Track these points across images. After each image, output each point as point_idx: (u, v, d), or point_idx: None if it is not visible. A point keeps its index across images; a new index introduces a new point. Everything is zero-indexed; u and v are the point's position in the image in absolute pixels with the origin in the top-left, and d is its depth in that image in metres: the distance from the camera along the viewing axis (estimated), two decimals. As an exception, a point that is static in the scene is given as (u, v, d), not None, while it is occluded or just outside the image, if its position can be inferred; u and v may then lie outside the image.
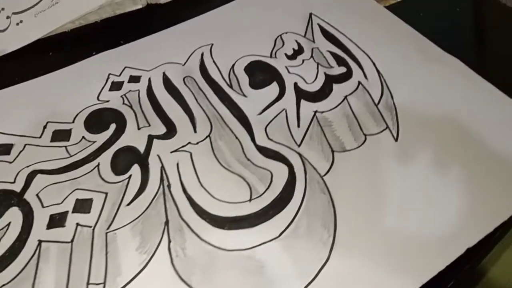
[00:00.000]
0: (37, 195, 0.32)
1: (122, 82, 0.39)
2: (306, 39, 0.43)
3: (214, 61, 0.41)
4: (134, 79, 0.40)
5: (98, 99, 0.38)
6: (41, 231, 0.30)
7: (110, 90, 0.39)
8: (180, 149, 0.34)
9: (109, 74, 0.40)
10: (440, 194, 0.32)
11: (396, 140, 0.35)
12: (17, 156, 0.34)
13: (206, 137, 0.35)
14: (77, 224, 0.30)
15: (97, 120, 0.37)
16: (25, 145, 0.35)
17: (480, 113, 0.36)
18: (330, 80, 0.39)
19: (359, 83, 0.39)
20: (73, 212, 0.31)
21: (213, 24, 0.45)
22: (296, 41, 0.43)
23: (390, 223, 0.30)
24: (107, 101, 0.38)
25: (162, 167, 0.33)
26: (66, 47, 0.44)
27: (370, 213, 0.31)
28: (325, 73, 0.40)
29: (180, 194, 0.32)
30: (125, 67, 0.41)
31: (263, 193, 0.32)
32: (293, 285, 0.27)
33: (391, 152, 0.34)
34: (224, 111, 0.37)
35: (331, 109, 0.37)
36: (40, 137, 0.35)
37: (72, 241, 0.29)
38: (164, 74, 0.40)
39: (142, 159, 0.34)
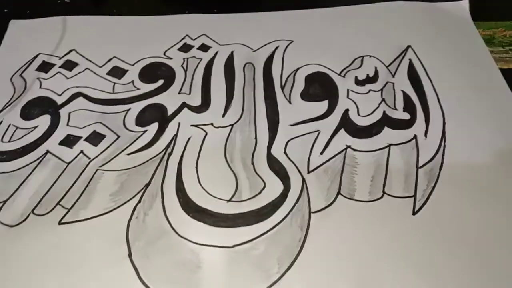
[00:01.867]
0: (69, 113, 0.36)
1: (192, 47, 0.41)
2: (387, 70, 0.39)
3: (283, 58, 0.40)
4: (204, 47, 0.41)
5: (164, 54, 0.40)
6: (53, 144, 0.34)
7: (178, 49, 0.41)
8: (200, 126, 0.35)
9: (186, 35, 0.42)
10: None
11: (413, 213, 0.30)
12: (75, 75, 0.38)
13: (229, 125, 0.35)
14: (81, 151, 0.33)
15: (152, 71, 0.39)
16: (86, 68, 0.39)
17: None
18: (385, 122, 0.35)
19: (415, 137, 0.34)
20: (85, 139, 0.34)
21: (306, 22, 0.43)
22: (376, 68, 0.39)
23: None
24: (170, 58, 0.40)
25: (175, 135, 0.34)
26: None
27: (333, 279, 0.28)
28: (384, 112, 0.36)
29: (174, 165, 0.33)
30: (203, 34, 0.42)
31: (244, 200, 0.31)
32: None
33: (400, 224, 0.30)
34: (261, 108, 0.36)
35: (366, 151, 0.34)
36: (101, 66, 0.39)
37: (69, 163, 0.33)
38: (231, 53, 0.40)
39: (164, 121, 0.35)
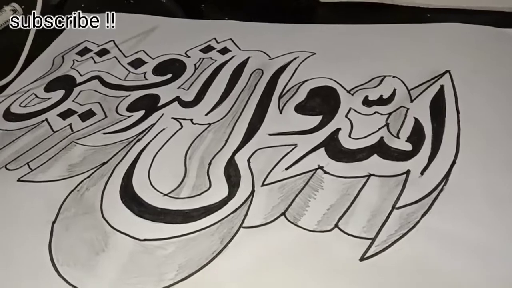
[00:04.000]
0: (80, 91, 0.38)
1: (214, 49, 0.41)
2: (408, 93, 0.32)
3: (296, 68, 0.37)
4: (224, 51, 0.40)
5: (185, 53, 0.41)
6: (53, 114, 0.36)
7: (200, 50, 0.41)
8: (179, 119, 0.34)
9: (213, 38, 0.42)
10: None
11: (361, 259, 0.24)
12: (102, 61, 0.41)
13: (207, 124, 0.33)
14: (69, 124, 0.35)
15: (165, 66, 0.40)
16: (114, 57, 0.42)
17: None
18: (377, 149, 0.29)
19: (407, 173, 0.27)
20: (78, 115, 0.36)
21: (335, 37, 0.39)
22: (394, 90, 0.33)
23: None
24: (189, 57, 0.40)
25: (153, 124, 0.34)
26: (213, 5, 0.47)
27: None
28: (381, 138, 0.30)
29: (135, 151, 0.32)
30: (230, 39, 0.41)
31: (180, 198, 0.28)
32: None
33: (338, 267, 0.24)
34: (247, 113, 0.34)
35: (338, 176, 0.28)
36: (126, 56, 0.41)
37: (55, 132, 0.35)
38: (247, 58, 0.39)
39: (151, 110, 0.35)
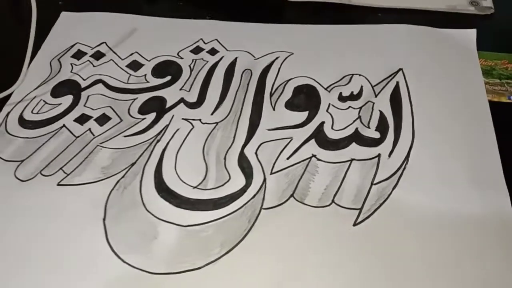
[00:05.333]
0: (88, 96, 0.42)
1: (203, 49, 0.46)
2: (372, 89, 0.41)
3: (279, 68, 0.44)
4: (213, 51, 0.46)
5: (177, 54, 0.46)
6: (69, 120, 0.40)
7: (190, 51, 0.46)
8: (190, 120, 0.40)
9: (200, 39, 0.47)
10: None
11: (354, 225, 0.33)
12: (99, 65, 0.45)
13: (215, 123, 0.40)
14: (89, 129, 0.40)
15: (163, 68, 0.45)
16: (111, 59, 0.46)
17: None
18: (354, 138, 0.38)
19: (378, 156, 0.37)
20: (94, 119, 0.40)
21: (309, 37, 0.46)
22: (362, 86, 0.41)
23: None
24: (182, 58, 0.45)
25: (167, 125, 0.40)
26: (194, 2, 0.52)
27: (266, 266, 0.31)
28: (356, 129, 0.38)
29: (159, 151, 0.38)
30: (215, 39, 0.47)
31: (208, 189, 0.35)
32: (156, 269, 0.31)
33: (338, 232, 0.33)
34: (247, 111, 0.41)
35: (328, 162, 0.37)
36: (123, 59, 0.46)
37: (77, 137, 0.39)
38: (235, 59, 0.45)
39: (161, 112, 0.41)
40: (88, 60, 0.45)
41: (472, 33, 0.45)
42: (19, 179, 0.37)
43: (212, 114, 0.41)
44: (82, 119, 0.41)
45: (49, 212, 0.35)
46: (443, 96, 0.40)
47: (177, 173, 0.37)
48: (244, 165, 0.37)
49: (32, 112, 0.41)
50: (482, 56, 0.43)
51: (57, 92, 0.43)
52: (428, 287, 0.30)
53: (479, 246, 0.32)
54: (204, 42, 0.47)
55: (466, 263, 0.31)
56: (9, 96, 0.42)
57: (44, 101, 0.42)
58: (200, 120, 0.40)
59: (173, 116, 0.41)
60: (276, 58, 0.45)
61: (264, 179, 0.36)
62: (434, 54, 0.44)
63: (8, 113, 0.41)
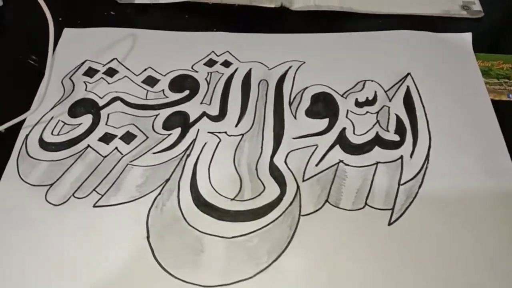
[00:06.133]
0: (108, 114, 0.42)
1: (216, 62, 0.47)
2: (386, 94, 0.43)
3: (294, 77, 0.45)
4: (226, 64, 0.47)
5: (192, 67, 0.46)
6: (93, 140, 0.40)
7: (204, 64, 0.47)
8: (215, 133, 0.41)
9: (212, 51, 0.48)
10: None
11: (389, 224, 0.35)
12: (115, 81, 0.45)
13: (240, 134, 0.41)
14: (116, 148, 0.40)
15: (180, 82, 0.45)
16: (125, 76, 0.45)
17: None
18: (376, 142, 0.40)
19: (401, 157, 0.39)
20: (119, 138, 0.40)
21: (319, 45, 0.48)
22: (375, 92, 0.44)
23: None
24: (197, 71, 0.46)
25: (194, 140, 0.40)
26: (199, 15, 0.52)
27: (314, 269, 0.33)
28: (377, 133, 0.41)
29: (190, 166, 0.39)
30: (227, 51, 0.48)
31: (246, 200, 0.37)
32: (209, 282, 0.32)
33: (375, 232, 0.35)
34: (269, 121, 0.42)
35: (355, 166, 0.39)
36: (137, 75, 0.46)
37: (105, 157, 0.39)
38: (249, 70, 0.46)
39: (186, 127, 0.41)
40: (102, 77, 0.45)
41: (467, 36, 0.48)
42: (51, 203, 0.36)
43: (236, 126, 0.42)
44: (106, 138, 0.41)
45: (89, 235, 0.35)
46: (450, 97, 0.43)
47: (212, 186, 0.37)
48: (276, 174, 0.38)
49: (52, 133, 0.41)
50: (479, 57, 0.47)
51: (75, 112, 0.43)
52: (464, 274, 0.33)
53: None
54: (216, 55, 0.48)
55: (501, 251, 0.34)
56: (23, 119, 0.42)
57: (62, 121, 0.42)
58: (226, 132, 0.41)
59: (198, 130, 0.41)
60: (290, 67, 0.46)
61: (298, 187, 0.37)
62: (436, 57, 0.47)
63: (27, 136, 0.41)
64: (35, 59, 0.47)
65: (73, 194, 0.37)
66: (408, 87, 0.44)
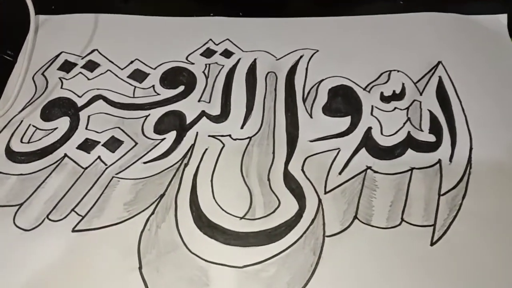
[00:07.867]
0: (88, 116, 0.36)
1: (215, 52, 0.40)
2: (415, 87, 0.37)
3: (306, 68, 0.39)
4: (227, 53, 0.40)
5: (186, 58, 0.40)
6: (71, 147, 0.34)
7: (201, 54, 0.40)
8: (218, 137, 0.34)
9: (210, 40, 0.41)
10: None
11: (431, 244, 0.29)
12: (96, 77, 0.38)
13: (248, 138, 0.34)
14: (98, 157, 0.33)
15: (173, 76, 0.38)
16: (108, 70, 0.39)
17: None
18: (409, 143, 0.34)
19: (439, 162, 0.33)
20: (102, 145, 0.34)
21: (333, 30, 0.42)
22: (403, 84, 0.37)
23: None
24: (192, 63, 0.39)
25: (193, 145, 0.34)
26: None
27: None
28: (408, 133, 0.35)
29: (189, 177, 0.32)
30: (227, 39, 0.41)
31: (258, 218, 0.30)
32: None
33: (416, 255, 0.29)
34: (281, 121, 0.35)
35: (386, 174, 0.32)
36: (122, 69, 0.39)
37: (85, 168, 0.33)
38: (254, 60, 0.39)
39: (182, 129, 0.35)
40: (80, 72, 0.38)
41: (503, 18, 0.42)
42: (20, 228, 0.30)
43: (242, 127, 0.35)
44: (87, 146, 0.34)
45: (67, 267, 0.28)
46: (488, 88, 0.37)
47: (217, 203, 0.31)
48: (293, 185, 0.32)
49: (21, 141, 0.34)
50: (516, 41, 0.41)
51: (48, 114, 0.36)
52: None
53: None
54: (214, 43, 0.41)
55: None
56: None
57: (34, 126, 0.35)
58: (230, 136, 0.35)
59: (197, 133, 0.35)
60: (301, 56, 0.40)
61: (319, 200, 0.31)
62: (469, 42, 0.40)
63: (-10, 144, 0.34)
64: (11, 54, 0.40)
65: (47, 216, 0.30)
66: (440, 77, 0.38)
